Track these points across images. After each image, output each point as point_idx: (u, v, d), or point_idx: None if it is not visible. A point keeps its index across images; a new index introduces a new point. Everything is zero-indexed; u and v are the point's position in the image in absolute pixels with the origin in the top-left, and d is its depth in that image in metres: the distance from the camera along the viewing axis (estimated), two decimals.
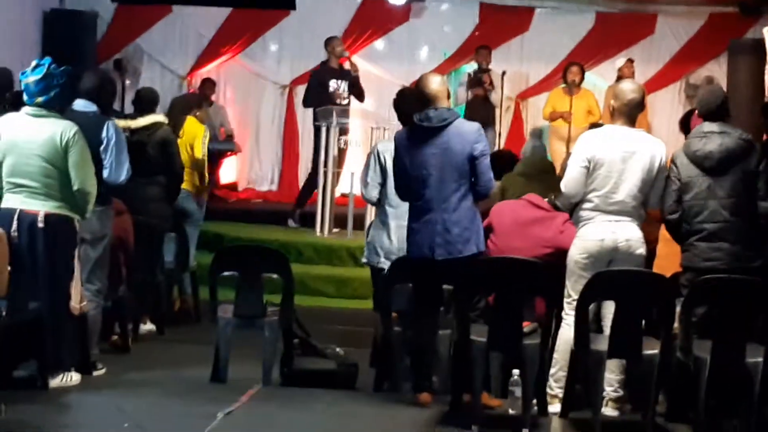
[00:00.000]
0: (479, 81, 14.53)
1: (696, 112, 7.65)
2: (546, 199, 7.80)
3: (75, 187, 7.32)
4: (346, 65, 13.87)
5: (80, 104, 7.82)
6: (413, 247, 7.31)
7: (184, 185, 10.15)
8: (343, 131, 13.33)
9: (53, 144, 7.26)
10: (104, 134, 7.70)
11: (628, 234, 7.15)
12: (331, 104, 13.28)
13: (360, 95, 13.81)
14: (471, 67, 15.24)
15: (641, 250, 7.19)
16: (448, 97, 7.37)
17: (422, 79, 7.41)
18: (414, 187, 7.25)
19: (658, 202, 7.34)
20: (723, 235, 7.05)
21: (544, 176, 8.64)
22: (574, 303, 7.05)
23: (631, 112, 7.29)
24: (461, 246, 7.13)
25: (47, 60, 7.40)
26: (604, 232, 7.16)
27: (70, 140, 7.28)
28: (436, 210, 7.15)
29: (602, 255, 7.15)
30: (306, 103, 14.02)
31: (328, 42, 14.03)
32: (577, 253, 7.23)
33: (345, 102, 13.63)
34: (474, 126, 7.29)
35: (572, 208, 7.41)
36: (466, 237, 7.14)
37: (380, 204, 8.16)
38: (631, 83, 7.55)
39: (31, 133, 7.30)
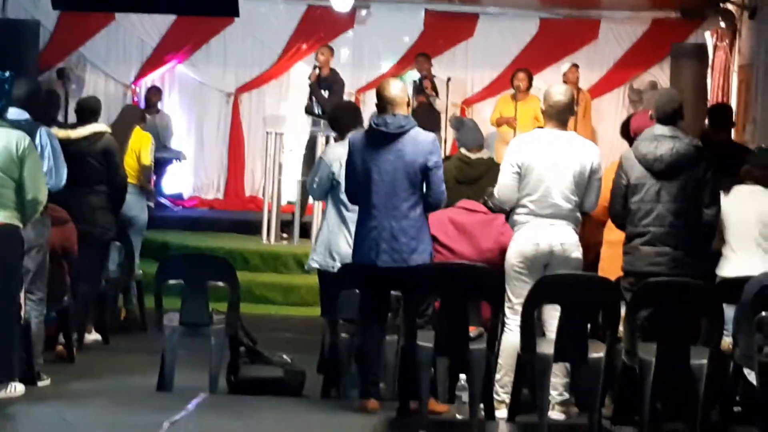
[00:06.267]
0: (421, 88, 14.55)
1: (633, 116, 7.67)
2: (481, 201, 7.81)
3: (29, 197, 7.28)
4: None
5: (13, 112, 7.71)
6: (358, 252, 7.27)
7: (131, 190, 10.11)
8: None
9: (9, 154, 7.22)
10: (38, 141, 7.68)
11: (563, 237, 7.16)
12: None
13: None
14: (415, 73, 15.27)
15: (577, 253, 7.21)
16: (408, 104, 7.36)
17: (382, 83, 7.38)
18: (363, 190, 7.20)
19: (593, 205, 7.37)
20: (667, 240, 7.07)
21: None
22: (516, 308, 7.08)
23: (560, 115, 7.30)
24: (407, 255, 7.09)
25: None
26: (539, 236, 7.16)
27: (25, 150, 7.26)
28: (384, 216, 7.10)
29: (538, 258, 7.16)
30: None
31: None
32: (513, 257, 7.24)
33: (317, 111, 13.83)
34: (430, 137, 7.24)
35: (507, 210, 7.41)
36: (413, 247, 7.10)
37: (339, 207, 8.08)
38: (559, 86, 7.54)
39: None
